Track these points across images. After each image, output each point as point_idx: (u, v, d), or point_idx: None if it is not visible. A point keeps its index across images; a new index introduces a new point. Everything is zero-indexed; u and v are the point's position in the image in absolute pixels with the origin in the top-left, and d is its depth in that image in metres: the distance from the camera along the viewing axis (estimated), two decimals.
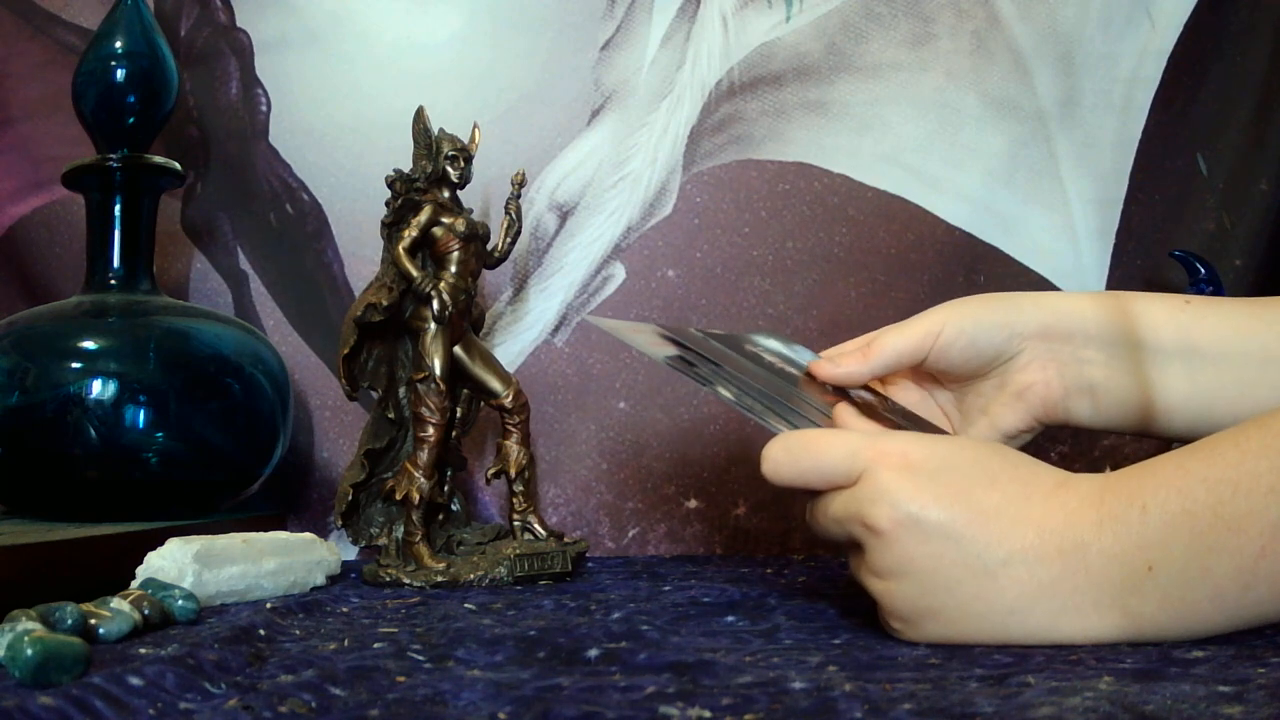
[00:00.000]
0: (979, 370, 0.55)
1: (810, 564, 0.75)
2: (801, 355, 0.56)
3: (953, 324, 0.54)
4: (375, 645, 0.43)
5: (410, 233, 0.68)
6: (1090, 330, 0.53)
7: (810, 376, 0.55)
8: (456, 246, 0.69)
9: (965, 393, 0.56)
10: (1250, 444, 0.38)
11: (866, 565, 0.42)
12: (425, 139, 0.69)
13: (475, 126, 0.72)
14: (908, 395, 0.57)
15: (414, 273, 0.67)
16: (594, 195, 0.88)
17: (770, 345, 0.56)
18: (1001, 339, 0.53)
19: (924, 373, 0.57)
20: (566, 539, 0.70)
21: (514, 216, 0.73)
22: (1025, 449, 0.51)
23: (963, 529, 0.40)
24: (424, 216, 0.68)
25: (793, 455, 0.44)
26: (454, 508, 0.73)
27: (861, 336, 0.56)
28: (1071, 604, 0.40)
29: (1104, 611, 0.40)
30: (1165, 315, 0.53)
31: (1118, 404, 0.54)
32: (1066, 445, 0.84)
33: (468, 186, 0.71)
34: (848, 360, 0.54)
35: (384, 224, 0.69)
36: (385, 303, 0.68)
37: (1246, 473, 0.38)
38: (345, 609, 0.55)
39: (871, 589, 0.43)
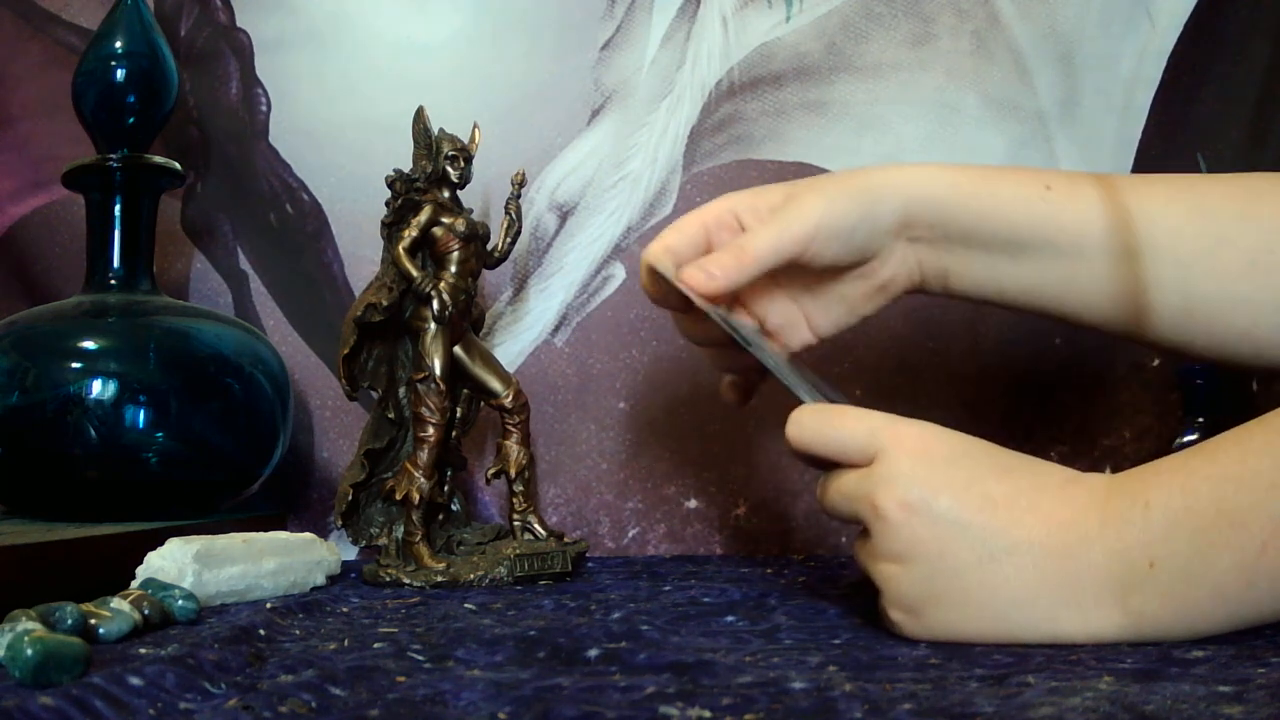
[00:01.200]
0: (844, 267, 0.54)
1: (810, 564, 0.75)
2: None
3: (828, 224, 0.51)
4: (375, 645, 0.43)
5: (410, 233, 0.68)
6: (950, 220, 0.53)
7: None
8: (456, 246, 0.69)
9: (824, 283, 0.55)
10: (1253, 442, 0.39)
11: (873, 548, 0.43)
12: (425, 139, 0.69)
13: (475, 126, 0.72)
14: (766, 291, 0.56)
15: (414, 273, 0.67)
16: (594, 195, 0.88)
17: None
18: (869, 236, 0.53)
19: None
20: (566, 539, 0.70)
21: (514, 216, 0.73)
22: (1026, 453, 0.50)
23: (970, 516, 0.41)
24: (424, 216, 0.68)
25: (818, 423, 0.45)
26: (454, 508, 0.73)
27: (726, 245, 0.52)
28: (1073, 599, 0.40)
29: (1105, 608, 0.40)
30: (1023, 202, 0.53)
31: (973, 289, 0.54)
32: (1066, 445, 0.84)
33: (468, 186, 0.71)
34: (721, 265, 0.50)
35: (384, 224, 0.69)
36: (385, 303, 0.68)
37: (1249, 469, 0.38)
38: (345, 609, 0.55)
39: (876, 573, 0.43)
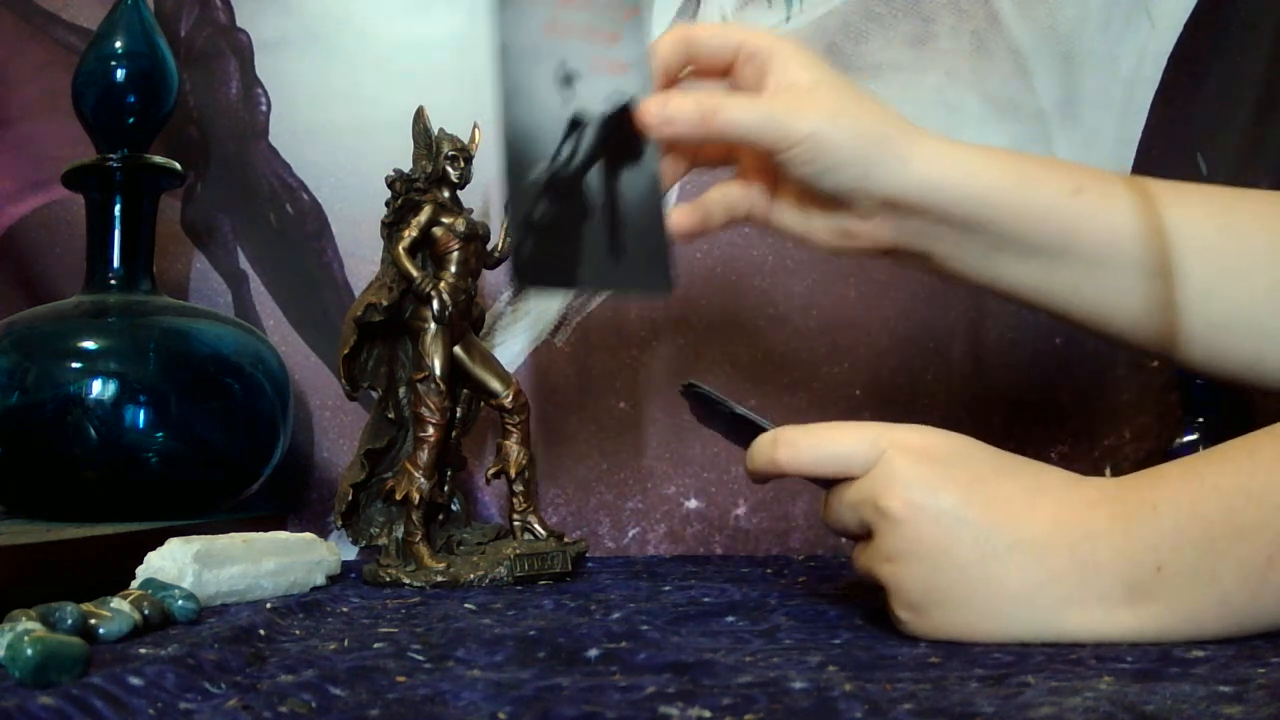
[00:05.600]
0: (816, 196, 0.49)
1: (810, 564, 0.75)
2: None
3: (813, 145, 0.47)
4: (375, 645, 0.43)
5: (410, 233, 0.68)
6: (956, 211, 0.49)
7: None
8: (456, 246, 0.69)
9: (791, 186, 0.51)
10: (1263, 454, 0.39)
11: (878, 550, 0.43)
12: (425, 139, 0.69)
13: (475, 126, 0.72)
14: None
15: (414, 273, 0.67)
16: None
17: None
18: (850, 187, 0.48)
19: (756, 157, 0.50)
20: (566, 539, 0.70)
21: None
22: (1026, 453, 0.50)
23: (973, 514, 0.41)
24: (424, 216, 0.68)
25: (814, 443, 0.44)
26: (454, 508, 0.73)
27: (704, 95, 0.48)
28: (1077, 596, 0.40)
29: (1108, 608, 0.40)
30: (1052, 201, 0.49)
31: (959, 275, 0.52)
32: (1067, 445, 0.84)
33: (468, 186, 0.71)
34: (684, 116, 0.47)
35: (384, 224, 0.69)
36: (385, 303, 0.68)
37: (1260, 484, 0.38)
38: (345, 609, 0.55)
39: (882, 574, 0.43)
